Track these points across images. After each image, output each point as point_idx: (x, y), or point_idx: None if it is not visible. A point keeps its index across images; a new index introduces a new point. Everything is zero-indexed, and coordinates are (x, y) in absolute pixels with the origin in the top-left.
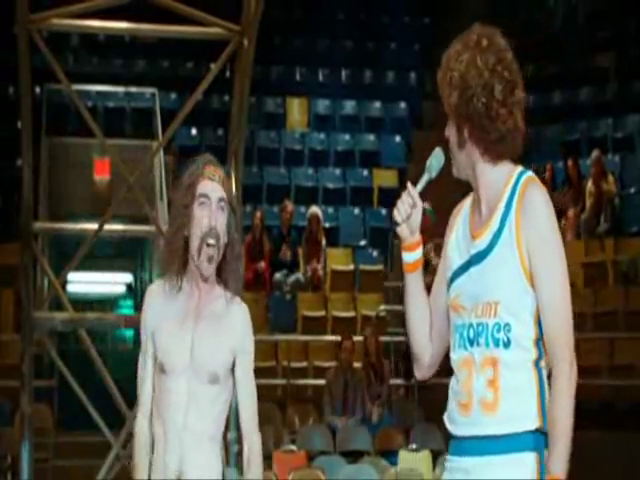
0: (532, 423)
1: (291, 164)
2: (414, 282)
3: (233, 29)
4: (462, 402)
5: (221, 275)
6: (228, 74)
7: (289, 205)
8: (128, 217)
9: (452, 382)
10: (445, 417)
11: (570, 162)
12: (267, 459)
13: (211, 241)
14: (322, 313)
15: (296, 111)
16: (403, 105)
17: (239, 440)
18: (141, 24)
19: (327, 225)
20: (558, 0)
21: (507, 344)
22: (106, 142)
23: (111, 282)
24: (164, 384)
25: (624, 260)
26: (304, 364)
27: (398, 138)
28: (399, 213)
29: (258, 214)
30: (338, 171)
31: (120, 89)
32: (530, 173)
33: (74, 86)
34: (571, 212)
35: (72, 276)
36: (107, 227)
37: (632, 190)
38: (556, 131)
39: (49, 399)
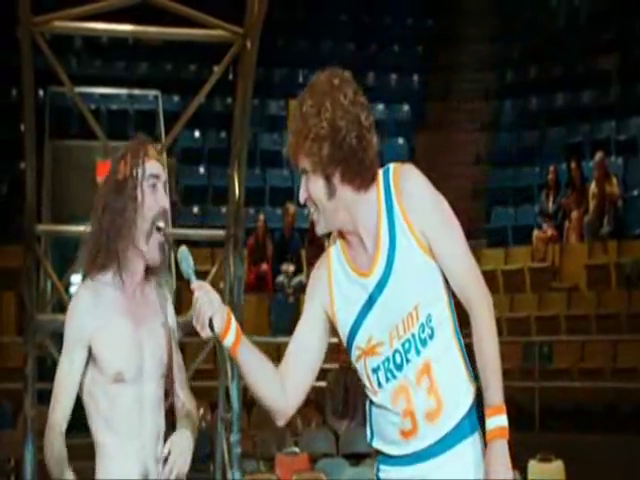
0: (468, 398)
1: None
2: (245, 353)
3: (236, 31)
4: (406, 430)
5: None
6: (231, 77)
7: (291, 207)
8: None
9: (382, 411)
10: (375, 437)
11: (573, 164)
12: (270, 461)
13: (161, 224)
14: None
15: None
16: (406, 107)
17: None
18: (144, 26)
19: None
20: (561, 1)
21: (431, 335)
22: (109, 144)
23: None
24: (117, 393)
25: (627, 262)
26: None
27: (401, 140)
28: (204, 326)
29: (261, 217)
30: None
31: (123, 91)
32: (391, 165)
33: (77, 89)
34: (574, 214)
35: (75, 278)
36: None
37: (635, 192)
38: (559, 133)
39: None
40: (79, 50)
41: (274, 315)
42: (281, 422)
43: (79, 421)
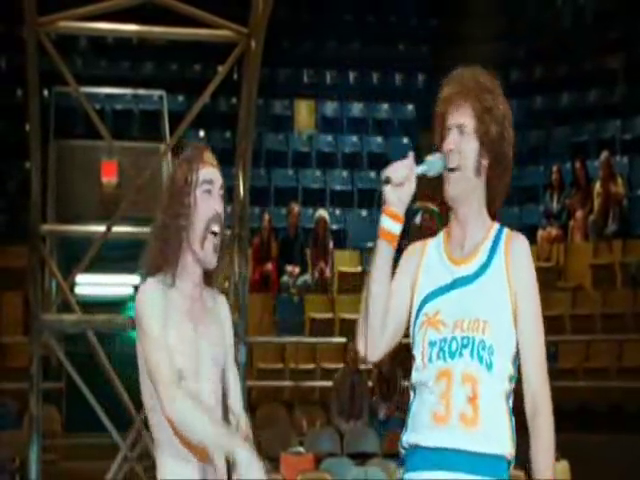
0: (506, 448)
1: (299, 166)
2: (386, 255)
3: (241, 31)
4: (439, 414)
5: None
6: (236, 77)
7: (295, 207)
8: (136, 219)
9: (422, 397)
10: (409, 430)
11: (578, 164)
12: (275, 461)
13: (216, 228)
14: (330, 315)
15: (304, 113)
16: (411, 107)
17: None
18: (149, 26)
19: (334, 227)
20: (566, 1)
21: (489, 367)
22: (114, 144)
23: (119, 284)
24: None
25: (632, 262)
26: (312, 366)
27: (406, 140)
28: (395, 172)
29: (266, 216)
30: (345, 173)
31: (128, 91)
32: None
33: (82, 89)
34: (579, 214)
35: (80, 278)
36: (115, 229)
37: None
38: (564, 133)
39: (57, 401)
40: (84, 50)
41: (279, 315)
42: (373, 357)
43: (95, 421)
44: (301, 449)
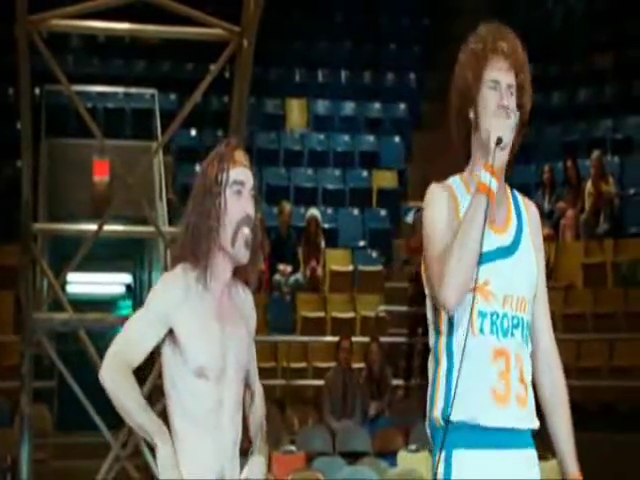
0: (536, 424)
1: (290, 165)
2: (485, 209)
3: (233, 30)
4: (499, 393)
5: (238, 268)
6: (227, 75)
7: (287, 206)
8: (127, 218)
9: (473, 368)
10: (460, 407)
11: (569, 163)
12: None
13: (246, 230)
14: (321, 314)
15: (295, 112)
16: (402, 106)
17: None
18: (141, 25)
19: (326, 226)
20: (557, 1)
21: (527, 343)
22: (105, 143)
23: (110, 283)
24: (200, 390)
25: (623, 261)
26: (303, 365)
27: (397, 139)
28: (507, 134)
29: (257, 215)
30: (337, 172)
31: (120, 90)
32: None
33: (74, 87)
34: (570, 213)
35: (71, 277)
36: (106, 228)
37: (631, 191)
38: (555, 132)
39: (48, 400)
40: (76, 48)
41: (271, 314)
42: (452, 302)
43: (86, 420)
44: (293, 448)
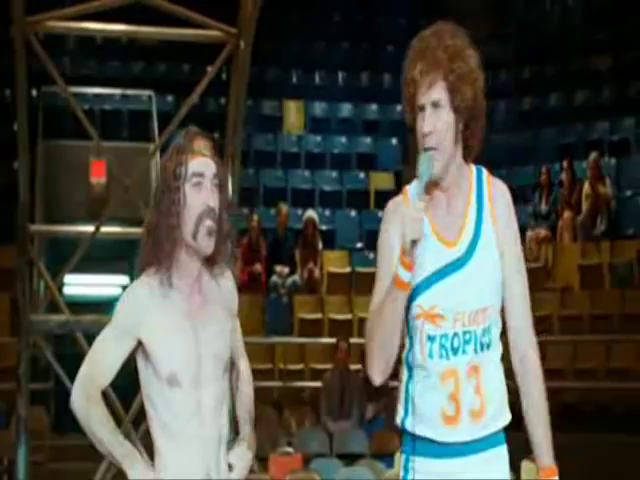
0: (507, 418)
1: (288, 167)
2: (402, 301)
3: (230, 32)
4: (448, 414)
5: (208, 259)
6: (225, 77)
7: (284, 208)
8: (124, 219)
9: (426, 389)
10: (415, 418)
11: (566, 164)
12: (263, 461)
13: (208, 222)
14: (318, 316)
15: (292, 114)
16: (399, 108)
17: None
18: (138, 26)
19: (323, 228)
20: (554, 2)
21: (488, 345)
22: (102, 145)
23: (107, 284)
24: (175, 399)
25: (620, 263)
26: (300, 366)
27: (394, 141)
28: (418, 233)
29: (254, 217)
30: (334, 174)
31: (117, 91)
32: (482, 167)
33: (70, 88)
34: (567, 214)
35: (68, 278)
36: (103, 229)
37: (628, 193)
38: (552, 133)
39: (45, 402)
40: (72, 50)
41: (268, 315)
42: (379, 380)
43: (74, 422)
44: (290, 449)
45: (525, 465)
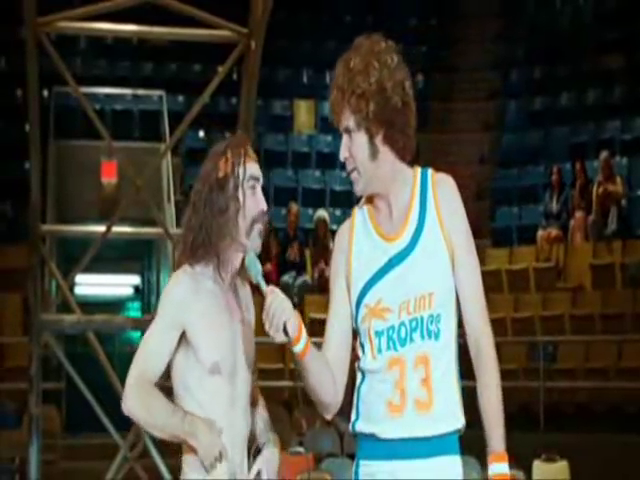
0: (459, 421)
1: (298, 166)
2: (311, 359)
3: (240, 32)
4: (394, 403)
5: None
6: (235, 77)
7: (294, 207)
8: (136, 219)
9: (373, 384)
10: (362, 417)
11: (578, 164)
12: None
13: (260, 226)
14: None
15: (303, 113)
16: None
17: None
18: (149, 27)
19: (334, 227)
20: (565, 2)
21: (437, 335)
22: (113, 145)
23: (118, 284)
24: (214, 387)
25: (632, 262)
26: None
27: None
28: (278, 330)
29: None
30: (345, 173)
31: (128, 92)
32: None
33: (82, 89)
34: (579, 214)
35: (80, 278)
36: (114, 229)
37: None
38: (564, 133)
39: (57, 401)
40: (84, 50)
41: None
42: (330, 416)
43: (94, 421)
44: (301, 449)
45: (537, 465)
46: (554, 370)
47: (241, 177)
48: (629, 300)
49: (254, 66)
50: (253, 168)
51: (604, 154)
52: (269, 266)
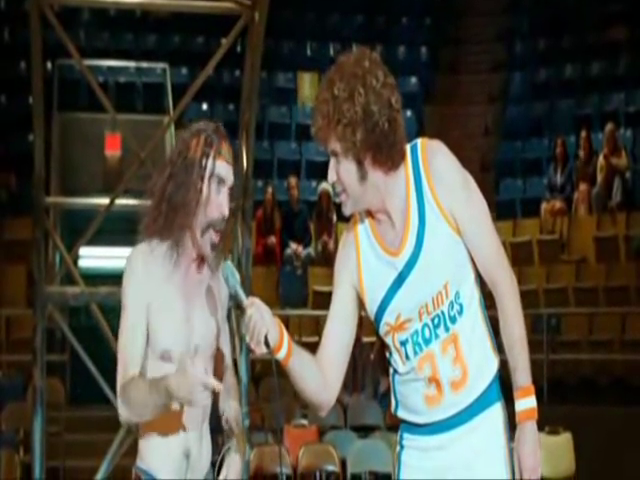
0: (492, 368)
1: (302, 139)
2: (295, 363)
3: (244, 3)
4: (430, 395)
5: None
6: (239, 49)
7: (293, 180)
8: (139, 192)
9: (407, 381)
10: (402, 407)
11: (582, 136)
12: (279, 433)
13: (218, 229)
14: (333, 288)
15: (307, 86)
16: (414, 80)
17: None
18: None
19: (338, 200)
20: None
21: (460, 312)
22: (117, 117)
23: (122, 257)
24: (164, 372)
25: (636, 234)
26: (315, 339)
27: (409, 113)
28: (259, 343)
29: (269, 189)
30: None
31: (131, 64)
32: (418, 141)
33: (85, 61)
34: (583, 186)
35: (84, 251)
36: (118, 202)
37: None
38: (568, 105)
39: (61, 373)
40: (87, 23)
41: (283, 288)
42: (324, 413)
43: (99, 393)
44: (305, 422)
45: (541, 437)
46: (558, 343)
47: (207, 170)
48: (633, 272)
49: (258, 38)
50: (222, 168)
51: (609, 126)
52: (273, 239)
